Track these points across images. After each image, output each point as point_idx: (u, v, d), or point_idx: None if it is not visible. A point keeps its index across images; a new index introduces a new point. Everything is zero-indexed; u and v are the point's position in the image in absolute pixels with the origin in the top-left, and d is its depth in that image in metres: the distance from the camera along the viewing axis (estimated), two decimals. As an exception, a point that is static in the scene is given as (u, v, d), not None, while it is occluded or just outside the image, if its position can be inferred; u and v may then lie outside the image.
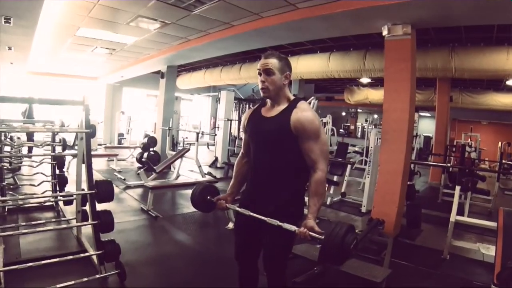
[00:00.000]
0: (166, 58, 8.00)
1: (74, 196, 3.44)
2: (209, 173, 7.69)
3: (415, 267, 3.61)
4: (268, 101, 1.86)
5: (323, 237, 1.49)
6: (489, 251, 3.72)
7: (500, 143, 12.50)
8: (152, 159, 7.39)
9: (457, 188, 3.82)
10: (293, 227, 1.59)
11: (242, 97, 14.11)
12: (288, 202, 1.76)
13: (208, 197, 1.97)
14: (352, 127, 19.08)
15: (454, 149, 10.67)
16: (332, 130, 10.15)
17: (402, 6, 3.70)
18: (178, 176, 6.87)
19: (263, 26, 5.12)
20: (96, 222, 2.64)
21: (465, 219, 4.12)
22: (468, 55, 6.13)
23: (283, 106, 1.79)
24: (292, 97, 1.83)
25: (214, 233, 4.30)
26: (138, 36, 6.35)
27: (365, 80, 10.48)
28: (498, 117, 13.33)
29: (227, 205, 1.93)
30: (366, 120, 18.68)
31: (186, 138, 13.33)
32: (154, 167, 6.55)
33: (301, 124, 1.69)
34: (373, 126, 12.35)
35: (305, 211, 1.77)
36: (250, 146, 1.92)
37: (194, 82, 12.40)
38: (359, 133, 18.01)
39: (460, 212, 6.10)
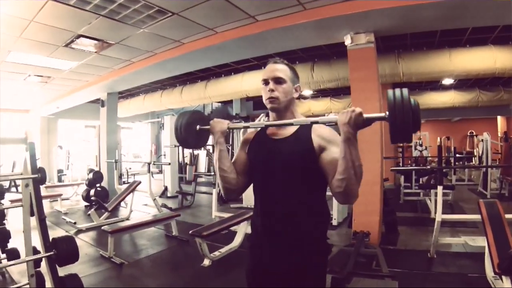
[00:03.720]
0: (106, 84, 7.36)
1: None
2: (164, 205, 7.05)
3: (411, 272, 3.50)
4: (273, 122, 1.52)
5: (385, 114, 1.18)
6: (475, 242, 3.78)
7: (438, 139, 13.58)
8: (101, 196, 6.65)
9: (439, 188, 3.78)
10: (333, 117, 1.28)
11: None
12: (318, 241, 1.45)
13: (198, 127, 1.59)
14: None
15: (401, 150, 11.22)
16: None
17: (366, 15, 3.69)
18: (131, 212, 6.22)
19: (217, 42, 4.86)
20: (61, 292, 2.09)
21: (450, 216, 4.13)
22: (414, 59, 6.43)
23: (295, 126, 1.47)
24: (302, 117, 1.52)
25: (189, 273, 3.79)
26: (77, 60, 5.71)
27: (307, 92, 10.55)
28: (434, 115, 14.35)
29: (228, 124, 1.54)
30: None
31: (130, 169, 12.62)
32: (105, 205, 5.86)
33: (326, 135, 1.41)
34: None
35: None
36: (248, 171, 1.56)
37: (134, 109, 11.71)
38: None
39: (426, 209, 6.36)
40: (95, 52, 5.26)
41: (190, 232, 3.96)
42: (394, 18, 3.84)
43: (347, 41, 4.29)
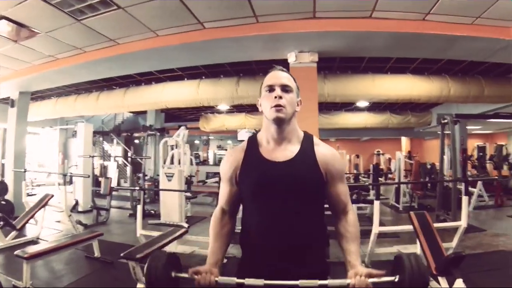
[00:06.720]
0: (21, 81, 6.42)
1: None
2: (79, 222, 6.26)
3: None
4: (267, 139, 1.39)
5: (395, 278, 1.21)
6: (407, 249, 4.10)
7: (348, 156, 14.72)
8: (5, 211, 5.71)
9: (376, 202, 4.05)
10: (345, 281, 1.21)
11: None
12: (325, 261, 1.44)
13: (174, 273, 1.30)
14: (205, 154, 18.57)
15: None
16: (191, 159, 9.69)
17: (318, 35, 3.88)
18: (41, 230, 5.41)
19: (157, 46, 4.63)
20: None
21: (386, 228, 4.47)
22: (339, 81, 6.90)
23: (295, 144, 1.38)
24: (302, 133, 1.43)
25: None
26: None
27: (223, 107, 10.31)
28: (346, 134, 15.61)
29: (217, 279, 1.25)
30: (219, 147, 18.86)
31: (35, 179, 11.46)
32: (13, 222, 5.02)
33: (331, 165, 1.36)
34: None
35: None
36: (240, 201, 1.44)
37: (44, 113, 10.44)
38: (211, 161, 16.41)
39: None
40: (15, 41, 4.52)
41: (122, 254, 3.41)
42: (343, 42, 4.11)
43: (291, 59, 4.41)
